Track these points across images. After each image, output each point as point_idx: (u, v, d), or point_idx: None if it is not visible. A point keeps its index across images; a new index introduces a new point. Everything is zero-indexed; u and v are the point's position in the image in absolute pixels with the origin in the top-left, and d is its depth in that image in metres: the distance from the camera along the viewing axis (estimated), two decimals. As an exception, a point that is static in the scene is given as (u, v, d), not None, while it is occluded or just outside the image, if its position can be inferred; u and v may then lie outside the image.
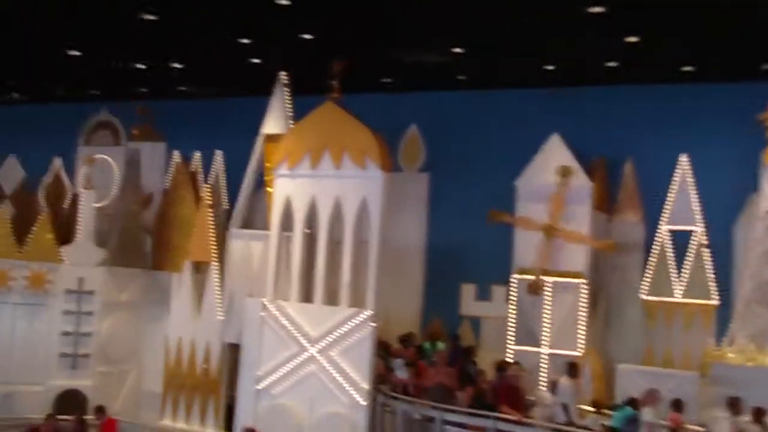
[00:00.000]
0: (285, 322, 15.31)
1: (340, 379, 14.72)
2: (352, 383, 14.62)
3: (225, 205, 19.81)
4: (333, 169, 15.10)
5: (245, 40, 16.16)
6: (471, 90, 19.00)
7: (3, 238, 17.28)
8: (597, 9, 13.30)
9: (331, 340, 14.88)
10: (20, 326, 17.44)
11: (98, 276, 17.91)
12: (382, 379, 14.84)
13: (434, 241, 19.42)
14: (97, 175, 22.33)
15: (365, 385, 14.55)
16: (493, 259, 18.65)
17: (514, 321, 17.04)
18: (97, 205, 20.87)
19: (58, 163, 21.85)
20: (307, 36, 15.61)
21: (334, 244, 15.39)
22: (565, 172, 16.53)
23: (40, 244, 17.55)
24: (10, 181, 23.27)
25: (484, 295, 18.82)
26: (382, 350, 15.68)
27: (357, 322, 14.73)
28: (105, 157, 21.87)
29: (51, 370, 17.55)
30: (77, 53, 17.66)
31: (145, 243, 18.88)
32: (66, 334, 17.62)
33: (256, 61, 17.51)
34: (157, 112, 21.42)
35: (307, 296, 15.45)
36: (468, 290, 19.00)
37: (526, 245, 17.11)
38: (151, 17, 14.61)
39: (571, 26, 14.44)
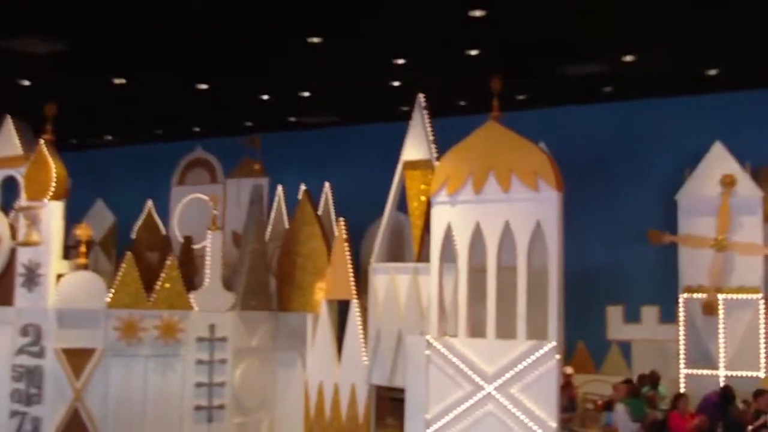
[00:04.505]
0: (455, 360, 14.23)
1: (523, 417, 13.62)
2: (537, 422, 13.52)
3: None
4: (500, 192, 14.06)
5: (400, 61, 15.19)
6: (613, 102, 18.05)
7: (131, 286, 16.13)
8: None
9: (509, 376, 13.79)
10: (152, 379, 16.30)
11: (229, 321, 16.88)
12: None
13: (571, 262, 18.37)
14: (194, 215, 21.58)
15: (553, 423, 13.47)
16: (640, 278, 17.76)
17: (684, 343, 15.99)
18: (196, 246, 20.08)
19: (150, 205, 20.95)
20: (473, 52, 14.60)
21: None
22: (729, 181, 15.52)
23: (169, 291, 16.44)
24: (98, 225, 22.33)
25: (633, 317, 17.77)
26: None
27: (539, 355, 13.65)
28: (202, 196, 21.03)
29: (186, 424, 16.44)
30: (205, 86, 16.74)
31: (270, 283, 17.82)
32: (200, 385, 16.55)
33: (396, 84, 16.52)
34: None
35: (473, 331, 14.41)
36: (614, 313, 17.95)
37: (693, 262, 16.08)
38: (316, 40, 13.66)
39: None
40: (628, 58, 15.10)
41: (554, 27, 14.04)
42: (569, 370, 16.44)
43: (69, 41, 15.18)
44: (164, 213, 21.32)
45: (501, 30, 14.20)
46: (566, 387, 15.67)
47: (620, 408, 14.81)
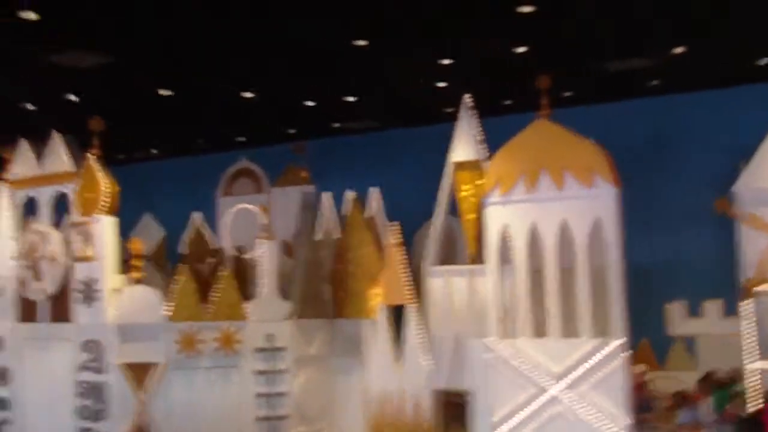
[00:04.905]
0: (519, 362, 14.08)
1: (595, 417, 13.43)
2: (611, 419, 13.32)
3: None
4: (554, 190, 13.88)
5: (446, 61, 15.09)
6: (661, 96, 17.81)
7: (189, 299, 16.14)
8: None
9: (577, 375, 13.62)
10: (214, 391, 16.28)
11: (287, 330, 16.84)
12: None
13: (627, 257, 18.18)
14: (240, 225, 21.55)
15: (627, 420, 13.28)
16: (699, 271, 17.47)
17: (749, 337, 15.73)
18: (247, 256, 20.04)
19: (197, 217, 20.99)
20: (521, 49, 14.47)
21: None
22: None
23: (225, 303, 16.43)
24: (147, 240, 22.42)
25: (695, 311, 17.53)
26: None
27: (606, 353, 13.47)
28: (249, 206, 21.03)
29: (249, 436, 16.45)
30: (250, 95, 16.73)
31: (325, 291, 17.76)
32: (261, 396, 16.52)
33: (442, 84, 16.42)
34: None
35: (534, 331, 14.25)
36: (676, 308, 17.71)
37: (755, 255, 15.83)
38: (362, 43, 13.61)
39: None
40: (678, 50, 14.86)
41: (602, 21, 13.83)
42: (642, 368, 16.27)
43: (114, 54, 15.21)
44: (210, 224, 21.36)
45: (549, 25, 14.02)
46: (641, 386, 15.52)
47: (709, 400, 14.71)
